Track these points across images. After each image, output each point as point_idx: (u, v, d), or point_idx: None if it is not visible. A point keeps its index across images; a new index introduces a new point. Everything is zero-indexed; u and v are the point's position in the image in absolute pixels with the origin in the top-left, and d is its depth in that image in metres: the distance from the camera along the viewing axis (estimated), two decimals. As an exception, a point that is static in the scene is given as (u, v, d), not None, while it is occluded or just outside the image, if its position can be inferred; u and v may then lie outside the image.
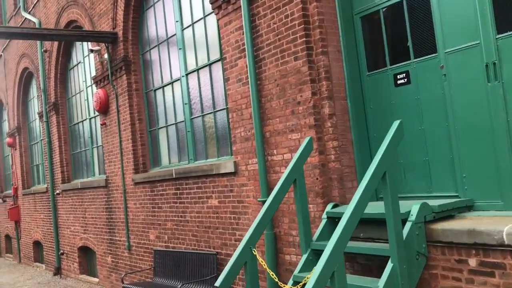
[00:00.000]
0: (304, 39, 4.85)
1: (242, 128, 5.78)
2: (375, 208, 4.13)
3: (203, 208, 6.60)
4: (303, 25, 4.85)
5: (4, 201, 16.52)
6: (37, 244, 13.87)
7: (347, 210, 3.36)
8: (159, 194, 7.66)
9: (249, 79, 5.48)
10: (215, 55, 6.65)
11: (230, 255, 6.10)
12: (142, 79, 8.44)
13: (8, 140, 15.39)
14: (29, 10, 12.77)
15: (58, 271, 11.74)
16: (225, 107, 6.49)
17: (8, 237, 16.96)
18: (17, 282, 11.62)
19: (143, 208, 8.12)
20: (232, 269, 3.86)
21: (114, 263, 9.13)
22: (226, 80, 6.04)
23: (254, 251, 3.95)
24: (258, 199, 5.46)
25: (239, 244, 5.93)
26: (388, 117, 4.74)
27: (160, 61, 8.02)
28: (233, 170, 5.93)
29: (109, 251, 9.33)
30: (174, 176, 7.20)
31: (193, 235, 6.86)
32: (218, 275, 6.21)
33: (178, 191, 7.16)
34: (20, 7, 13.26)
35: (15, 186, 15.18)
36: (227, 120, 6.42)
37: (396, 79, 4.68)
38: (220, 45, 6.36)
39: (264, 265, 3.99)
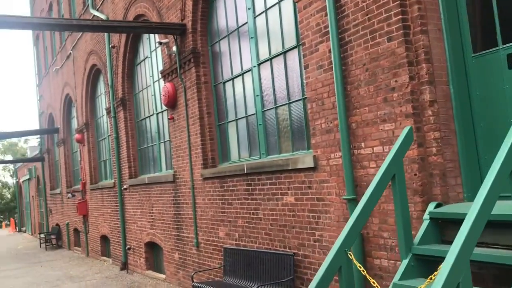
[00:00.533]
0: (400, 16, 4.31)
1: (323, 119, 5.31)
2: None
3: (278, 206, 6.20)
4: (398, 1, 4.31)
5: (73, 195, 16.98)
6: (104, 239, 14.08)
7: (472, 210, 2.82)
8: (229, 190, 7.34)
9: (332, 65, 5.01)
10: (290, 42, 6.22)
11: (308, 256, 5.67)
12: (211, 71, 8.17)
13: (76, 136, 15.77)
14: (97, 7, 12.94)
15: (124, 266, 11.79)
16: (301, 97, 6.05)
17: (76, 231, 17.43)
18: (86, 276, 11.79)
19: (212, 204, 7.85)
20: (325, 274, 3.42)
21: (182, 260, 8.95)
22: (304, 67, 5.59)
23: (351, 255, 3.49)
24: (343, 197, 4.97)
25: (318, 245, 5.52)
26: (498, 105, 4.11)
27: (230, 52, 7.70)
28: (312, 165, 5.48)
29: (176, 248, 9.17)
30: (245, 172, 6.85)
31: (266, 234, 6.48)
32: (296, 277, 5.80)
33: (250, 187, 6.81)
34: (88, 5, 13.48)
35: (83, 181, 15.53)
36: (304, 111, 5.98)
37: (510, 61, 4.04)
38: (297, 30, 5.93)
39: (363, 271, 3.51)
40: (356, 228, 3.61)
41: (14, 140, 52.02)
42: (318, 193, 5.43)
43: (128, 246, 11.64)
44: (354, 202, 4.85)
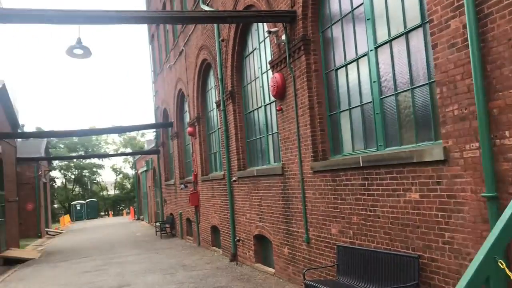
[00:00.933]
0: (561, -23, 3.56)
1: (455, 105, 4.66)
2: None
3: (399, 203, 5.63)
4: (559, -41, 3.56)
5: (186, 186, 17.63)
6: (215, 229, 14.37)
7: None
8: (342, 184, 6.90)
9: (468, 42, 4.35)
10: (413, 20, 5.59)
11: (436, 260, 5.05)
12: (322, 58, 7.76)
13: (189, 129, 16.32)
14: (207, 2, 13.15)
15: (234, 258, 11.88)
16: (427, 81, 5.41)
17: (189, 221, 18.10)
18: (197, 265, 12.09)
19: (323, 198, 7.47)
20: (470, 284, 2.87)
21: (291, 255, 8.70)
22: (432, 47, 4.97)
23: (502, 264, 2.90)
24: (481, 195, 4.30)
25: (448, 248, 4.88)
26: None
27: (343, 37, 7.23)
28: (442, 158, 4.86)
29: (285, 242, 8.94)
30: (361, 165, 6.37)
31: (385, 233, 5.95)
32: (420, 282, 5.21)
33: (366, 182, 6.31)
34: (199, 0, 13.76)
35: (195, 173, 16.02)
36: (431, 97, 5.34)
37: None
38: (422, 7, 5.31)
39: (520, 284, 2.91)
40: (507, 232, 3.01)
41: (133, 134, 56.18)
42: (449, 189, 4.79)
43: (238, 238, 11.70)
44: (495, 200, 4.18)
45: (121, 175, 60.95)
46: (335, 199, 7.12)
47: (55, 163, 49.51)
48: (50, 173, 38.07)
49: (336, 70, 7.43)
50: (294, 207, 8.50)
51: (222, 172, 12.91)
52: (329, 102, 7.68)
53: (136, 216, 40.33)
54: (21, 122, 28.87)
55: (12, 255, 16.90)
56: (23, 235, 23.48)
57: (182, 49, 16.91)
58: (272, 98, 9.48)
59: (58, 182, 56.45)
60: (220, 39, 12.08)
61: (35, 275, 13.15)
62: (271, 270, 9.85)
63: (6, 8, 7.64)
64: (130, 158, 53.82)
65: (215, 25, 12.28)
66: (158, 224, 22.11)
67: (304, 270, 7.34)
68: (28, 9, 6.88)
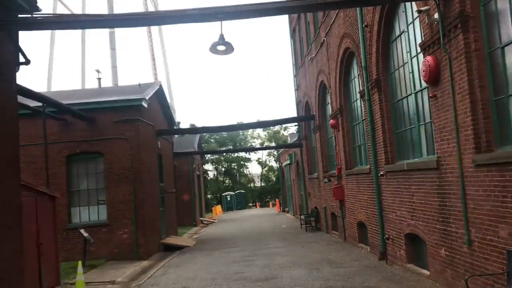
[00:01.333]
0: None
1: None
2: None
3: None
4: None
5: (329, 180, 17.32)
6: (361, 225, 13.81)
7: None
8: (514, 180, 5.92)
9: None
10: None
11: None
12: (484, 36, 6.77)
13: (331, 122, 15.95)
14: (348, -12, 12.60)
15: (383, 256, 11.22)
16: None
17: (333, 215, 17.76)
18: (344, 262, 11.70)
19: (488, 196, 6.52)
20: None
21: (449, 258, 7.82)
22: None
23: None
24: None
25: None
26: None
27: (511, 8, 6.18)
28: None
29: (442, 243, 8.08)
30: (538, 157, 5.36)
31: None
32: None
33: (546, 177, 5.29)
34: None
35: (339, 166, 15.61)
36: None
37: None
38: None
39: None
40: None
41: (277, 128, 57.61)
42: None
43: (387, 236, 11.02)
44: None
45: (266, 168, 63.03)
46: (504, 197, 6.15)
47: (207, 156, 53.08)
48: (203, 166, 40.92)
49: (503, 47, 6.41)
50: (452, 205, 7.61)
51: (368, 166, 12.29)
52: (494, 85, 6.67)
53: (281, 208, 41.27)
54: (177, 120, 31.43)
55: (171, 242, 18.44)
56: (180, 223, 25.55)
57: (324, 40, 16.57)
58: (424, 84, 8.65)
59: (211, 175, 60.55)
60: (363, 25, 11.47)
61: (190, 263, 14.09)
62: (425, 272, 9.03)
63: (162, 10, 8.13)
64: (274, 152, 55.34)
65: (358, 10, 11.70)
66: (302, 217, 22.20)
67: (467, 277, 6.50)
68: (179, 9, 7.20)
